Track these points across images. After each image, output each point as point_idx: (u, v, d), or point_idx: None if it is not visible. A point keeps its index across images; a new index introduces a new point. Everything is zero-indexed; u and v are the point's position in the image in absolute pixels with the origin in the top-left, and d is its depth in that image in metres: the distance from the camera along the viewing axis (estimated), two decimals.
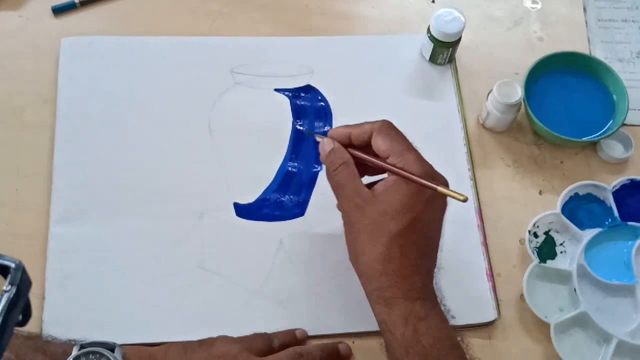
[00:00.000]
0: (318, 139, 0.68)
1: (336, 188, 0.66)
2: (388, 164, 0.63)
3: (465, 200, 0.60)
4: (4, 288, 0.33)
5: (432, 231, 0.65)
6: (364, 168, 0.66)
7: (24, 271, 0.34)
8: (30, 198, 0.76)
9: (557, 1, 0.94)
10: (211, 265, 0.74)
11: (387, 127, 0.65)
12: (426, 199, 0.62)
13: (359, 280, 0.65)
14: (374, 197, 0.63)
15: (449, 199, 0.64)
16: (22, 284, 0.34)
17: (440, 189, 0.61)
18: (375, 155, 0.65)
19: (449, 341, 0.62)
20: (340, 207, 0.67)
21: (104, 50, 0.85)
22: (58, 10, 0.87)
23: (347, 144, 0.67)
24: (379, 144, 0.64)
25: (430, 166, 0.64)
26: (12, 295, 0.33)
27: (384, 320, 0.62)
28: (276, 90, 0.84)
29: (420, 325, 0.60)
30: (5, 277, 0.33)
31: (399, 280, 0.61)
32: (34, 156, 0.78)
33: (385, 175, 0.65)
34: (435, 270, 0.66)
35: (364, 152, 0.66)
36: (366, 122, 0.66)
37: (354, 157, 0.66)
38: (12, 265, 0.33)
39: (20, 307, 0.35)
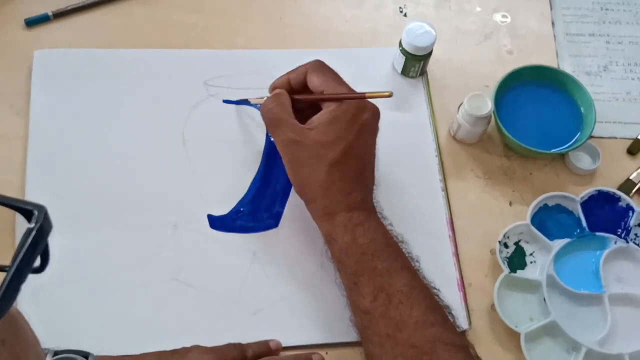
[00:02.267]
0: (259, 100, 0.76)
1: (270, 124, 0.72)
2: (320, 94, 0.70)
3: (390, 96, 0.69)
4: (29, 226, 0.36)
5: (366, 155, 0.71)
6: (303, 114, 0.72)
7: (46, 214, 0.37)
8: (1, 209, 0.75)
9: (526, 15, 0.95)
10: (185, 277, 0.74)
11: (320, 65, 0.72)
12: (357, 128, 0.68)
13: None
14: (309, 129, 0.68)
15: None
16: (46, 222, 0.37)
17: (368, 93, 0.69)
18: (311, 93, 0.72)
19: (384, 239, 0.68)
20: (277, 143, 0.71)
21: (77, 63, 0.85)
22: (31, 23, 0.87)
23: (289, 90, 0.73)
24: (314, 80, 0.71)
25: (358, 92, 0.70)
26: (35, 232, 0.36)
27: (328, 232, 0.69)
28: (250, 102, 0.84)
29: (357, 229, 0.67)
30: (29, 221, 0.36)
31: (340, 197, 0.68)
32: (6, 167, 0.78)
33: None
34: None
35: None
36: (301, 65, 0.73)
37: (292, 101, 0.72)
38: (36, 210, 0.36)
39: (41, 248, 0.38)
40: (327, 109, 0.69)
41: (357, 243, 0.67)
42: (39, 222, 0.36)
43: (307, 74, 0.72)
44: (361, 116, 0.69)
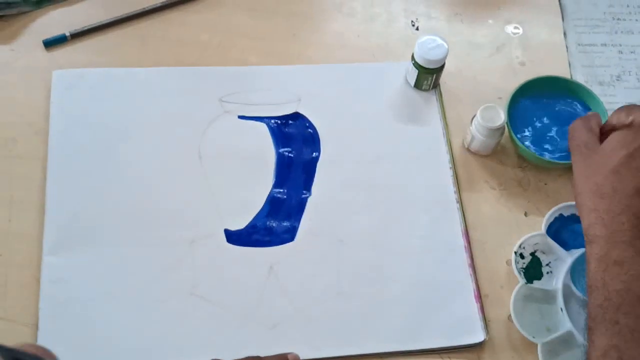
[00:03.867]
0: None
1: (571, 138, 0.71)
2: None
3: None
4: None
5: None
6: None
7: None
8: (23, 228, 0.77)
9: (538, 27, 0.96)
10: (203, 291, 0.75)
11: (632, 107, 0.69)
12: None
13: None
14: (599, 147, 0.67)
15: None
16: None
17: None
18: None
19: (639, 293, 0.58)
20: (570, 151, 0.71)
21: (95, 82, 0.86)
22: (49, 44, 0.89)
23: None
24: (622, 114, 0.69)
25: None
26: None
27: (587, 257, 0.63)
28: (264, 118, 0.85)
29: (612, 268, 0.58)
30: None
31: (606, 218, 0.61)
32: (26, 187, 0.79)
33: None
34: (423, 290, 0.67)
35: None
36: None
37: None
38: None
39: None
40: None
41: (605, 286, 0.59)
42: None
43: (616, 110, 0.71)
44: None
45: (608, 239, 0.60)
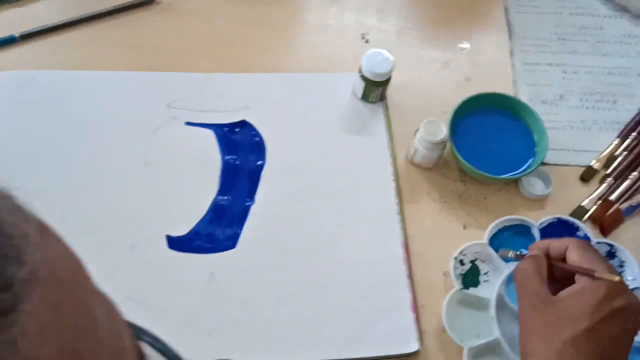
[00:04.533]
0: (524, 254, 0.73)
1: (520, 284, 0.67)
2: (579, 267, 0.65)
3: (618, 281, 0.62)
4: None
5: (610, 347, 0.61)
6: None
7: None
8: None
9: (485, 44, 0.98)
10: (141, 296, 0.75)
11: (584, 245, 0.67)
12: (611, 310, 0.61)
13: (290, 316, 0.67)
14: (554, 301, 0.63)
15: None
16: None
17: (607, 276, 0.62)
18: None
19: None
20: (519, 304, 0.66)
21: (43, 84, 0.86)
22: None
23: (546, 256, 0.68)
24: (573, 255, 0.66)
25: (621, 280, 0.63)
26: None
27: None
28: (211, 125, 0.86)
29: None
30: None
31: None
32: None
33: None
34: (362, 300, 0.68)
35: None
36: (565, 238, 0.68)
37: (549, 268, 0.67)
38: None
39: None
40: (579, 283, 0.64)
41: None
42: None
43: (569, 247, 0.67)
44: (614, 300, 0.61)
45: None
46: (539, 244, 0.70)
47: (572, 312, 0.61)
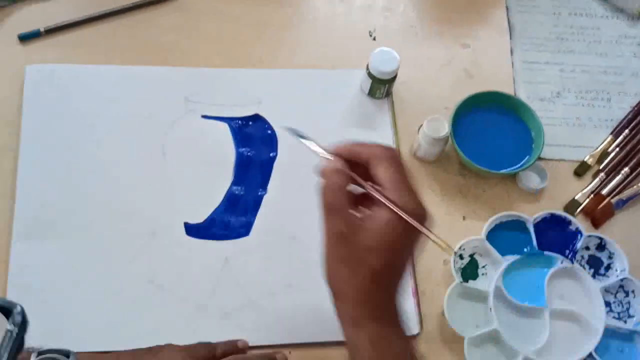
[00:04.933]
0: (322, 155, 0.65)
1: (325, 208, 0.63)
2: (382, 195, 0.60)
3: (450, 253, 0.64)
4: (8, 327, 0.38)
5: (407, 263, 0.65)
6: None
7: (24, 314, 0.39)
8: None
9: (487, 43, 1.02)
10: (161, 281, 0.80)
11: (393, 158, 0.62)
12: (408, 237, 0.62)
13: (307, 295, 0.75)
14: (361, 229, 0.60)
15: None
16: (24, 323, 0.39)
17: (432, 237, 0.62)
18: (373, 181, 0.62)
19: (406, 355, 0.63)
20: (325, 229, 0.64)
21: (66, 77, 0.90)
22: (24, 38, 0.93)
23: (348, 160, 0.63)
24: (379, 172, 0.61)
25: (423, 207, 0.63)
26: (15, 335, 0.37)
27: (352, 339, 0.63)
28: (226, 118, 0.90)
29: (382, 342, 0.62)
30: (7, 317, 0.38)
31: (372, 309, 0.62)
32: None
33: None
34: None
35: (362, 171, 0.63)
36: (374, 145, 0.63)
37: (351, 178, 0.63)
38: (15, 308, 0.38)
39: (20, 346, 0.39)
40: (386, 213, 0.59)
41: (381, 358, 0.62)
42: (18, 324, 0.38)
43: (375, 161, 0.61)
44: (416, 232, 0.62)
45: (377, 321, 0.62)
46: (342, 150, 0.63)
47: (378, 245, 0.60)
